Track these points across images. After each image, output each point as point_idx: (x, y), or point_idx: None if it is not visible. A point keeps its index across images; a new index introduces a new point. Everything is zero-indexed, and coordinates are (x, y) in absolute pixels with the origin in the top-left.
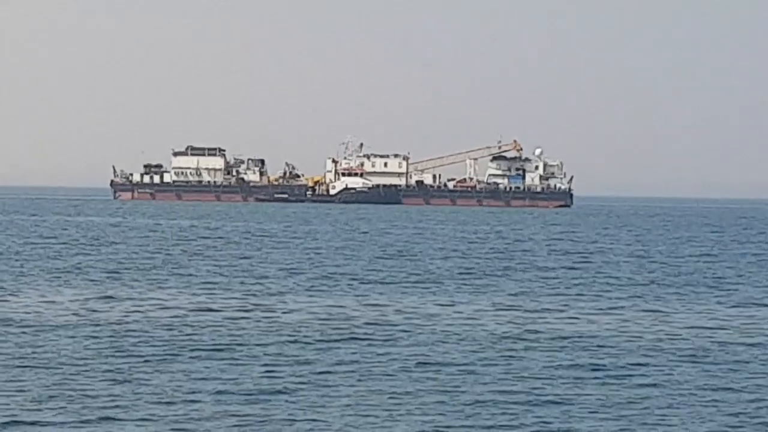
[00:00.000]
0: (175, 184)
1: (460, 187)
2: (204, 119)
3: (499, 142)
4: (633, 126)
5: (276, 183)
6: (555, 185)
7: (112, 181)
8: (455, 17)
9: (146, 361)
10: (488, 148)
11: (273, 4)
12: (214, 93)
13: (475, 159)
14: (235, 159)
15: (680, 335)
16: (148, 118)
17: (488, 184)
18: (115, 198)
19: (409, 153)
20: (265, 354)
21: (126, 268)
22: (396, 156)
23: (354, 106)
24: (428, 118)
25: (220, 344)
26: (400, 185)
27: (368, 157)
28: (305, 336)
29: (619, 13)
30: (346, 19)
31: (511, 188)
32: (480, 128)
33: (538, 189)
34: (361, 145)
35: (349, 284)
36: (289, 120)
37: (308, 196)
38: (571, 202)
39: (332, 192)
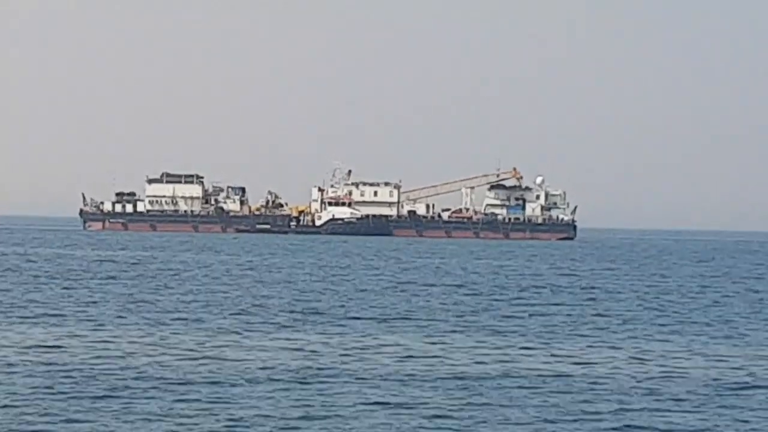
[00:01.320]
0: (150, 213)
1: (456, 217)
2: (180, 144)
3: (498, 169)
4: (642, 153)
5: (257, 213)
6: (557, 216)
7: (81, 210)
8: (451, 37)
9: (89, 398)
10: (486, 176)
11: (253, 23)
12: (192, 116)
13: (472, 188)
14: (213, 187)
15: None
16: (120, 142)
17: (486, 214)
18: (84, 228)
19: (400, 181)
20: (219, 393)
21: (75, 304)
22: (387, 184)
23: (341, 132)
24: (421, 143)
25: (171, 382)
26: (391, 216)
27: (357, 185)
28: (265, 374)
29: (624, 37)
30: (333, 38)
31: (510, 219)
32: (477, 155)
33: (539, 220)
34: (350, 172)
35: (317, 320)
36: (271, 145)
37: (292, 226)
38: (575, 234)
39: (318, 223)
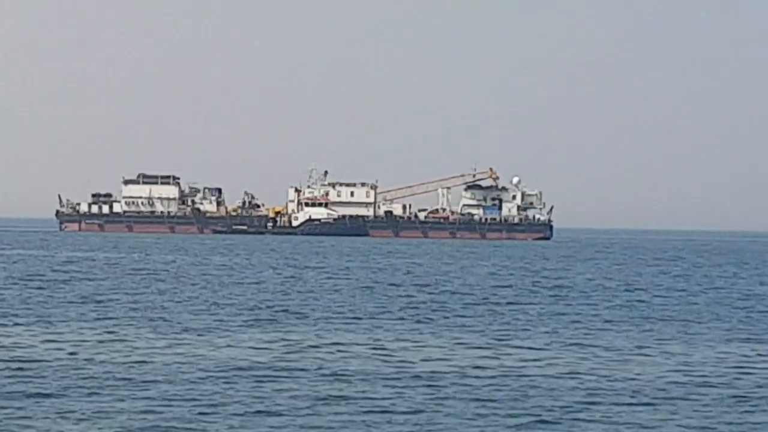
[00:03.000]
0: (126, 214)
1: (432, 218)
2: (157, 145)
3: (474, 170)
4: (620, 152)
5: (234, 213)
6: (534, 216)
7: (57, 211)
8: (427, 37)
9: (29, 396)
10: (462, 176)
11: (228, 23)
12: (168, 117)
13: (448, 188)
14: (190, 188)
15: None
16: (96, 143)
17: (462, 215)
18: (61, 229)
19: (377, 181)
20: (154, 390)
21: (26, 303)
22: (363, 185)
23: (317, 132)
24: (398, 144)
25: (122, 380)
26: (367, 216)
27: (333, 185)
28: (204, 370)
29: (598, 37)
30: (307, 37)
31: (486, 219)
32: (453, 155)
33: (516, 220)
34: (326, 173)
35: (267, 317)
36: (248, 146)
37: (269, 227)
38: (551, 235)
39: (295, 223)
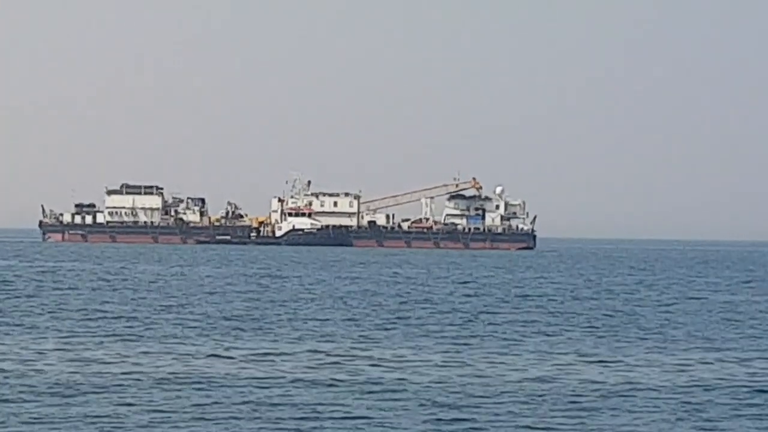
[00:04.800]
0: (109, 224)
1: (416, 228)
2: (140, 155)
3: (457, 179)
4: (604, 161)
5: (217, 224)
6: (517, 226)
7: (41, 221)
8: (409, 48)
9: None
10: (445, 186)
11: (210, 33)
12: (151, 127)
13: (432, 198)
14: (173, 198)
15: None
16: (79, 153)
17: (446, 224)
18: (44, 240)
19: (360, 191)
20: (94, 396)
21: None
22: (347, 194)
23: (300, 142)
24: (381, 153)
25: (56, 388)
26: (351, 226)
27: (317, 195)
28: (148, 377)
29: (583, 47)
30: (290, 48)
31: (470, 229)
32: (437, 165)
33: (499, 230)
34: (309, 182)
35: (202, 325)
36: (231, 156)
37: (252, 237)
38: (535, 244)
39: (278, 233)
